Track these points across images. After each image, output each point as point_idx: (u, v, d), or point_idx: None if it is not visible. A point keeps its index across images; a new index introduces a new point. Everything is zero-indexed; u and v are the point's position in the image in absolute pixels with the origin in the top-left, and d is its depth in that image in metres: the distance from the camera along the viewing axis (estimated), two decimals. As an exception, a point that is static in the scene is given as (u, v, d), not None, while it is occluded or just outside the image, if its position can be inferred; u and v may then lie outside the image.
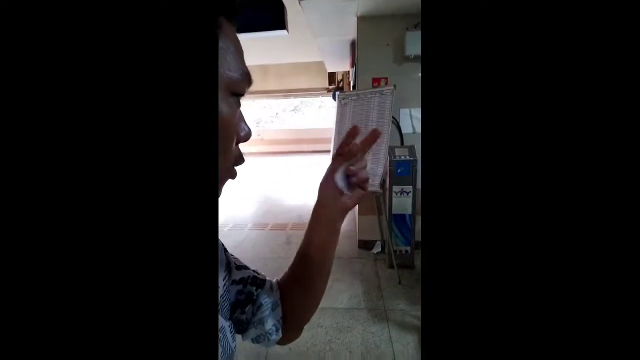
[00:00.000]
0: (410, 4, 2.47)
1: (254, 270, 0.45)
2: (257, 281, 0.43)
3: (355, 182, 0.42)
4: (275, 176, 6.88)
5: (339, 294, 2.34)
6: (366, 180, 0.42)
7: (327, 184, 0.42)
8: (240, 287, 0.42)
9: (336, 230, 0.43)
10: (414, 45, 2.61)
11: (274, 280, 0.46)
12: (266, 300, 0.42)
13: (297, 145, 10.26)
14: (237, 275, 0.42)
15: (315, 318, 1.95)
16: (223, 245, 0.42)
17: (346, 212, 0.43)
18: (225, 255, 0.42)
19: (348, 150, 0.42)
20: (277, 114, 11.66)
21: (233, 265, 0.42)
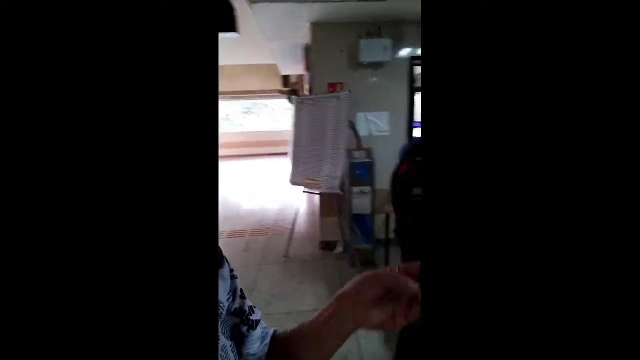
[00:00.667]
0: (361, 13, 2.58)
1: (249, 307, 0.40)
2: (249, 322, 0.39)
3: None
4: (231, 181, 6.65)
5: (304, 296, 2.35)
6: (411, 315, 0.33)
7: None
8: (237, 320, 0.39)
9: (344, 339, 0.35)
10: (368, 52, 2.73)
11: (271, 330, 0.42)
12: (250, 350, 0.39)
13: (252, 148, 10.02)
14: (238, 303, 0.39)
15: (281, 322, 1.95)
16: (232, 270, 0.39)
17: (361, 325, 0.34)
18: (232, 277, 0.38)
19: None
20: (227, 115, 11.28)
21: (238, 292, 0.39)
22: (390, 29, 2.72)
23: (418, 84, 2.85)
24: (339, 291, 0.35)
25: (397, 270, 0.33)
